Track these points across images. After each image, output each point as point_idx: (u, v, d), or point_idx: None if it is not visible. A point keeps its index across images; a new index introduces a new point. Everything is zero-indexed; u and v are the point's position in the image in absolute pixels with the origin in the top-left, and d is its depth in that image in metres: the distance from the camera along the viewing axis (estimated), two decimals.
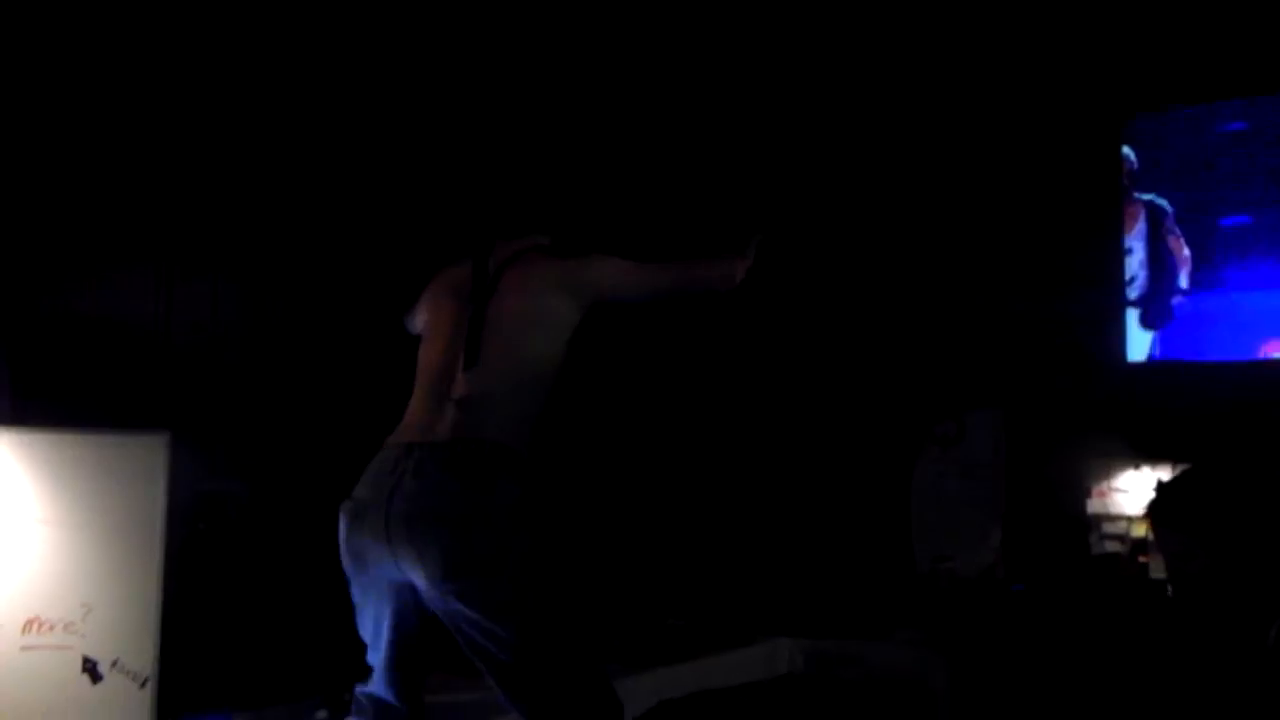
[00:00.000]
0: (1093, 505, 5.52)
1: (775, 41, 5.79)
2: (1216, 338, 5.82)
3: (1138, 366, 5.90)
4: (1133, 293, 5.97)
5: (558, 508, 3.13)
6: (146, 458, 3.11)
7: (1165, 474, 5.34)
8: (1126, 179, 6.03)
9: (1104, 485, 5.52)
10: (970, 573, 4.98)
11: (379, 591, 2.76)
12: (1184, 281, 5.86)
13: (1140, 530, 5.37)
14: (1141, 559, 5.33)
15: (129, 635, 3.05)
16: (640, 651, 3.98)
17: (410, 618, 2.76)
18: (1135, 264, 5.99)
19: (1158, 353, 5.87)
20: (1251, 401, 5.41)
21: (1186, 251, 5.89)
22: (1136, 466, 5.49)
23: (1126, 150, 6.04)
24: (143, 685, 3.03)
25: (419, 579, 2.67)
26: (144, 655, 3.06)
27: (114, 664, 3.03)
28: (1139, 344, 5.93)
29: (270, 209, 4.03)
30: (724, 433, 5.66)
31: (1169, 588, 4.82)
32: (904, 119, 6.29)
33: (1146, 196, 5.99)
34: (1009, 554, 5.19)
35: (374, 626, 2.79)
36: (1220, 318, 5.82)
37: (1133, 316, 5.95)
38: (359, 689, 2.81)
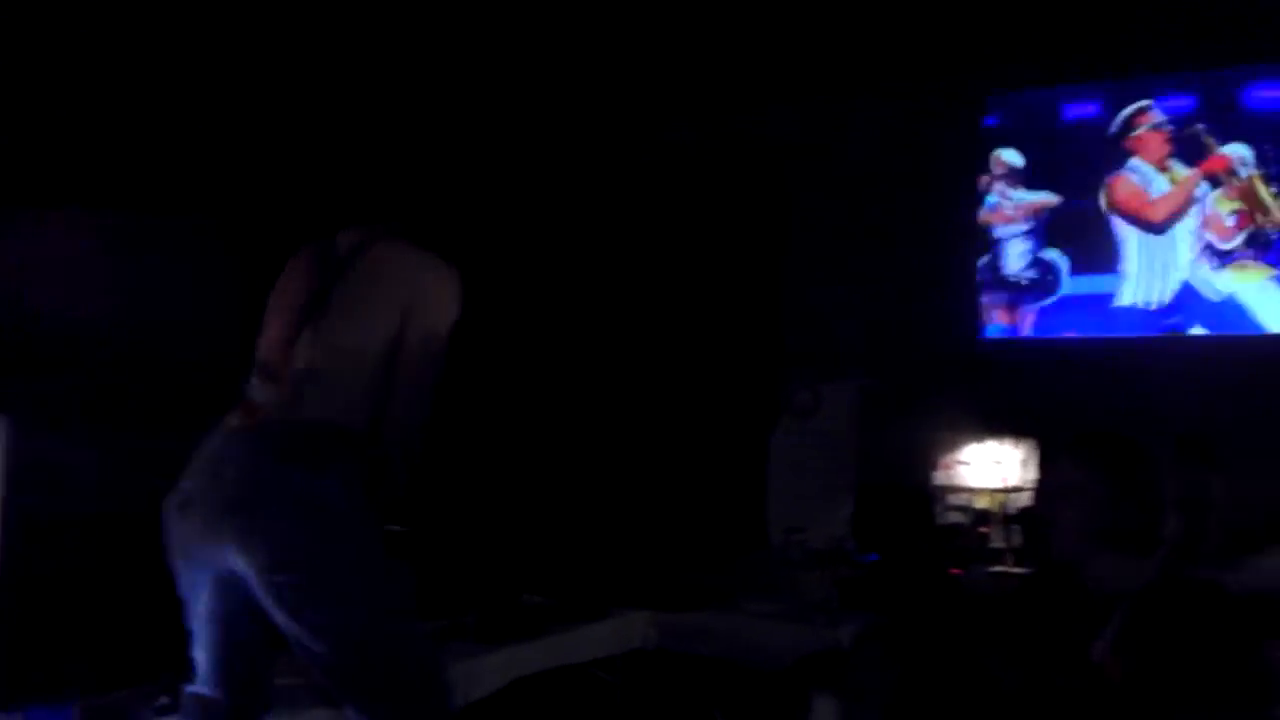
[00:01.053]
0: (938, 477, 5.65)
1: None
2: (1069, 316, 5.99)
3: (988, 341, 6.05)
4: (991, 260, 6.08)
5: (409, 485, 3.05)
6: None
7: (1010, 448, 5.53)
8: (985, 143, 6.12)
9: (949, 458, 5.65)
10: (821, 544, 5.04)
11: (207, 585, 2.69)
12: (1028, 256, 6.01)
13: (982, 502, 5.53)
14: (982, 530, 5.48)
15: None
16: (492, 628, 3.95)
17: (242, 614, 2.69)
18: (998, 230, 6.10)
19: (1034, 329, 5.99)
20: (1098, 379, 5.59)
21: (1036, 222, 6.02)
22: (981, 441, 5.63)
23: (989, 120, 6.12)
24: None
25: (246, 570, 2.60)
26: None
27: None
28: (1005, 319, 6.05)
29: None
30: (578, 405, 5.64)
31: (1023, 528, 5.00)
32: (765, 91, 6.28)
33: (1018, 163, 6.09)
34: (857, 525, 5.27)
35: (201, 623, 2.72)
36: (1071, 296, 5.98)
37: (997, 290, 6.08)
38: (186, 688, 2.74)
